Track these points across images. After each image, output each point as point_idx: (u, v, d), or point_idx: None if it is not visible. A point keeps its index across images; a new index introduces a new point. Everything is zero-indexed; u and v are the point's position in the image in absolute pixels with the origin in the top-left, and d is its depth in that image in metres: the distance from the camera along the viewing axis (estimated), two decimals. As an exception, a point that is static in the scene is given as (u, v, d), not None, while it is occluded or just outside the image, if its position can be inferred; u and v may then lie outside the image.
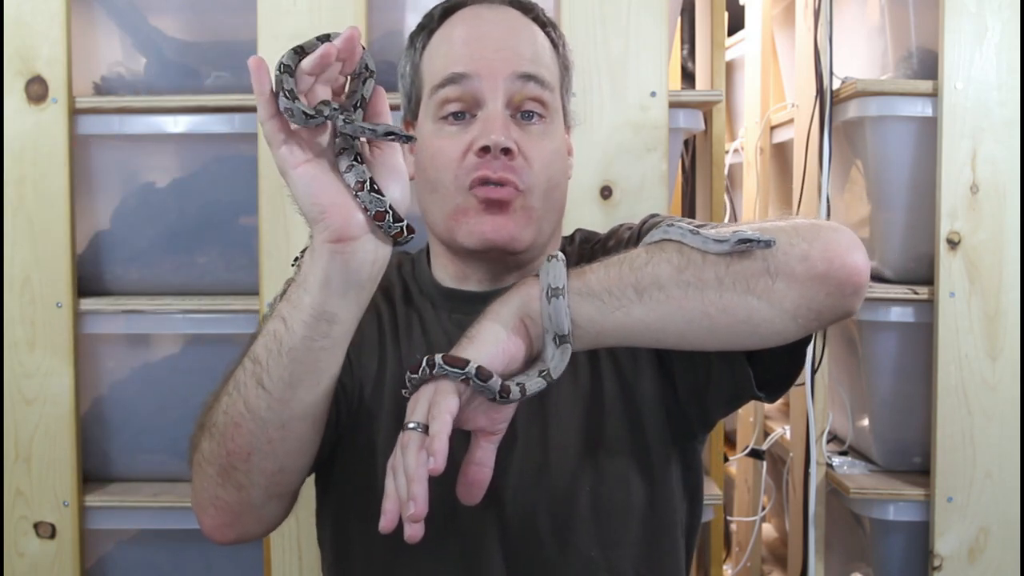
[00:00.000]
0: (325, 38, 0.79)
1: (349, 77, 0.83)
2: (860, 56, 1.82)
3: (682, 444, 0.99)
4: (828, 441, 1.75)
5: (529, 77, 0.96)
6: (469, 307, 0.97)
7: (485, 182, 0.93)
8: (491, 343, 0.80)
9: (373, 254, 0.81)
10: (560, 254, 0.83)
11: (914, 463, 1.69)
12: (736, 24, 2.33)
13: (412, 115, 1.03)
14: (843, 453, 1.80)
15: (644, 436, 0.96)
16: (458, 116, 0.96)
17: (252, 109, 1.50)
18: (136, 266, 1.62)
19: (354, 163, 0.78)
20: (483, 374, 0.77)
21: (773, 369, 0.88)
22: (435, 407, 0.76)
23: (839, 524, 1.80)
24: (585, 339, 0.81)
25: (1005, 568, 1.57)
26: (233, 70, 1.59)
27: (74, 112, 1.52)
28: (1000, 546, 1.57)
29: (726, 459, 2.17)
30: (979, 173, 1.55)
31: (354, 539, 0.99)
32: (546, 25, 1.02)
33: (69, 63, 1.51)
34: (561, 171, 1.00)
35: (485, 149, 0.93)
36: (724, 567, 2.18)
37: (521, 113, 0.97)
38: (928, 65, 1.61)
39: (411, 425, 0.76)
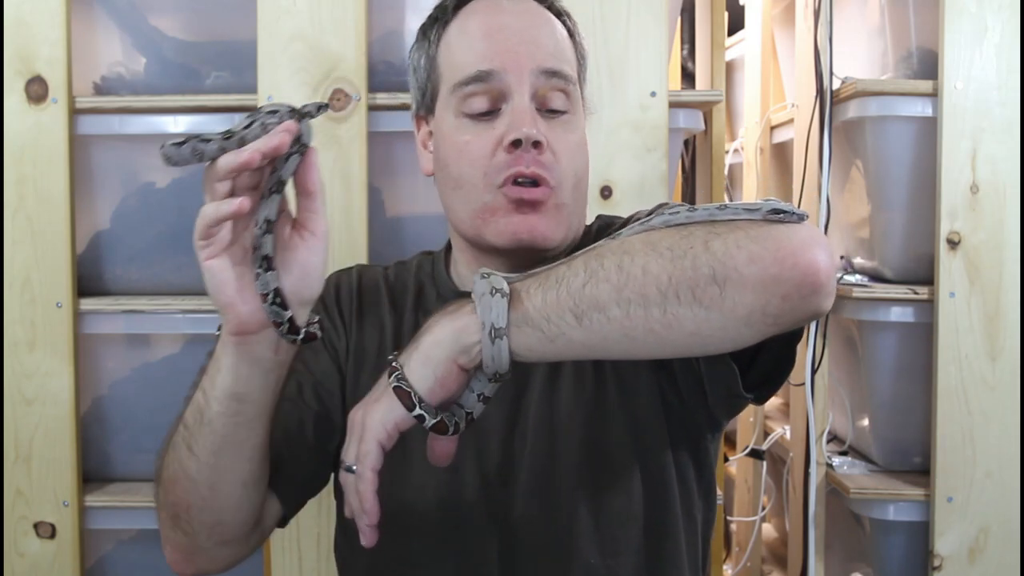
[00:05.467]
0: (272, 113, 0.76)
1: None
2: (860, 56, 1.82)
3: (693, 445, 0.98)
4: (828, 441, 1.75)
5: (553, 73, 0.95)
6: None
7: (518, 179, 0.92)
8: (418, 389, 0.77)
9: (275, 344, 0.80)
10: (502, 285, 0.77)
11: (914, 463, 1.69)
12: (736, 24, 2.33)
13: (427, 109, 1.01)
14: (843, 453, 1.80)
15: (645, 442, 0.95)
16: (484, 112, 0.95)
17: (252, 109, 1.50)
18: (136, 266, 1.62)
19: (260, 271, 0.76)
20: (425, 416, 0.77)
21: (761, 371, 0.86)
22: (360, 464, 0.77)
23: (839, 524, 1.80)
24: (523, 364, 0.80)
25: (1005, 568, 1.57)
26: (233, 70, 1.59)
27: (74, 112, 1.52)
28: (1000, 546, 1.57)
29: (726, 459, 2.18)
30: (979, 173, 1.55)
31: (356, 550, 1.00)
32: (561, 14, 1.01)
33: (69, 63, 1.51)
34: (584, 163, 0.99)
35: (516, 143, 0.92)
36: (724, 567, 2.18)
37: (546, 108, 0.96)
38: (928, 65, 1.61)
39: (345, 467, 0.78)
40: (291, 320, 0.78)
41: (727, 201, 0.83)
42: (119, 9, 1.60)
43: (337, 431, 0.98)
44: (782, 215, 0.74)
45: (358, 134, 1.49)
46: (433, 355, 0.77)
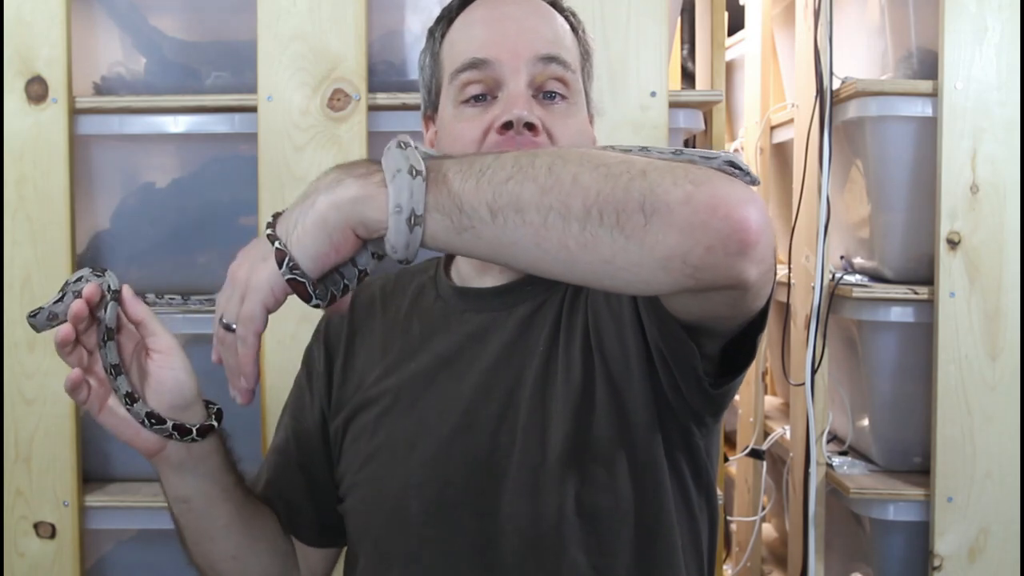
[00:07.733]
0: (78, 280, 0.86)
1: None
2: (860, 56, 1.82)
3: (684, 441, 0.97)
4: (828, 441, 1.75)
5: (551, 59, 0.95)
6: (483, 303, 0.98)
7: None
8: (310, 257, 0.72)
9: (184, 448, 0.91)
10: (421, 166, 0.70)
11: (914, 463, 1.69)
12: (736, 24, 2.33)
13: (432, 107, 1.01)
14: (843, 453, 1.80)
15: (634, 437, 0.93)
16: (479, 98, 0.95)
17: (252, 109, 1.50)
18: (136, 266, 1.62)
19: (127, 405, 0.87)
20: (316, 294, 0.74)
21: (719, 354, 0.85)
22: (242, 326, 0.73)
23: (839, 524, 1.80)
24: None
25: (1005, 568, 1.57)
26: (233, 70, 1.59)
27: (74, 112, 1.52)
28: (1000, 546, 1.57)
29: (726, 459, 2.17)
30: (979, 173, 1.55)
31: (353, 548, 1.04)
32: (564, 11, 1.02)
33: (69, 63, 1.51)
34: None
35: (507, 125, 0.91)
36: (724, 567, 2.18)
37: (544, 93, 0.95)
38: (928, 65, 1.61)
39: (223, 323, 0.75)
40: (178, 427, 0.89)
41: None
42: (119, 9, 1.60)
43: (320, 469, 1.05)
44: (736, 171, 0.71)
45: (358, 134, 1.49)
46: (331, 219, 0.72)
